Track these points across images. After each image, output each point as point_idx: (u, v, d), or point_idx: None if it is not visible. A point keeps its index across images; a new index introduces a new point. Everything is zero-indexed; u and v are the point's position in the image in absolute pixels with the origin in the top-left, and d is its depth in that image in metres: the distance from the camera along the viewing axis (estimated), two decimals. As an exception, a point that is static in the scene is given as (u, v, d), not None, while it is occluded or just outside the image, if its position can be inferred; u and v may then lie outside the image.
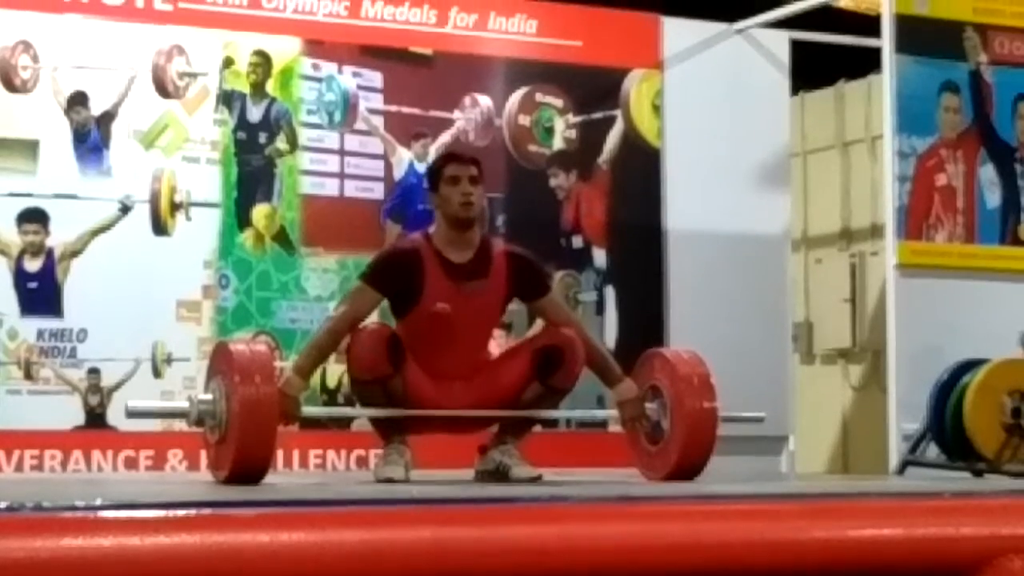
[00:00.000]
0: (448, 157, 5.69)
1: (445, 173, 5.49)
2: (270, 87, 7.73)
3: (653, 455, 5.73)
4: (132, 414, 5.56)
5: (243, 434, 5.00)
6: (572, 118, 8.28)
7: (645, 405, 5.69)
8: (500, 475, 5.51)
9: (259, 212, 7.66)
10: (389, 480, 5.32)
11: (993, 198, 8.10)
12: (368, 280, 5.54)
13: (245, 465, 5.02)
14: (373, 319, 5.64)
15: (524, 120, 8.19)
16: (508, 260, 5.59)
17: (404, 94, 7.94)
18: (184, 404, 5.33)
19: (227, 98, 7.64)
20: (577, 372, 5.59)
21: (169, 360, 7.39)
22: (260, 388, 5.04)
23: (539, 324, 6.00)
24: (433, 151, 7.85)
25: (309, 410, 5.97)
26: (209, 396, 5.18)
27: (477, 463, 5.67)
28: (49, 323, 7.25)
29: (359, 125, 7.87)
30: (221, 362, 5.23)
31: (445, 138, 7.97)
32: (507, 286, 5.58)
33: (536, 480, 5.42)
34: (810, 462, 9.38)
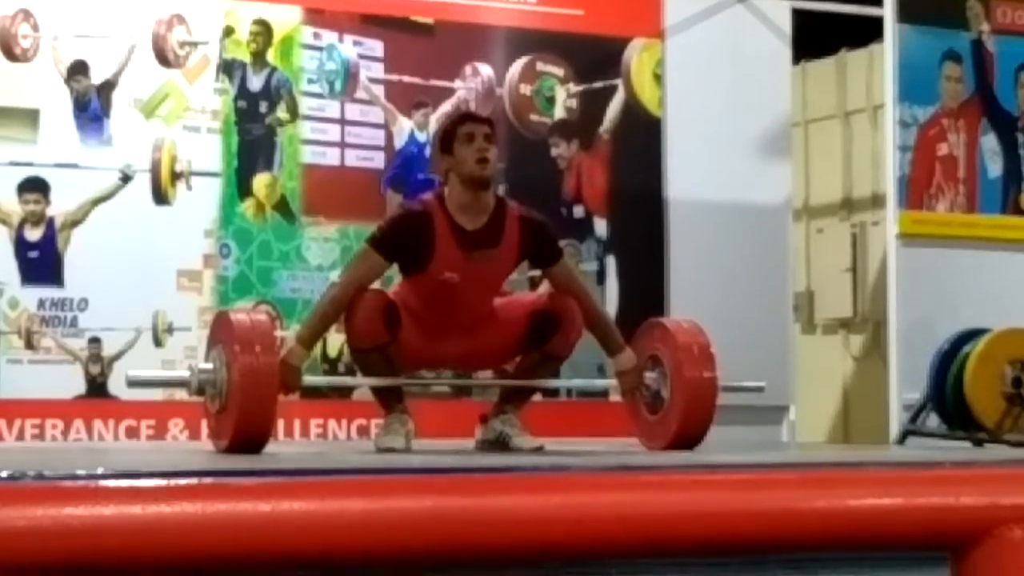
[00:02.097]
0: (463, 116, 5.64)
1: (459, 132, 5.41)
2: (271, 56, 7.72)
3: (653, 424, 5.74)
4: (132, 383, 5.57)
5: (244, 403, 5.00)
6: (573, 87, 8.27)
7: (645, 375, 5.68)
8: (501, 444, 5.52)
9: (260, 181, 7.66)
10: (390, 450, 5.33)
11: (994, 167, 8.10)
12: (375, 245, 5.46)
13: (246, 434, 5.03)
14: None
15: (525, 89, 8.18)
16: (521, 225, 5.52)
17: (405, 63, 7.93)
18: (185, 373, 5.33)
19: (227, 67, 7.63)
20: (573, 340, 5.58)
21: (170, 329, 7.40)
22: (260, 357, 5.04)
23: (544, 286, 6.01)
24: (434, 120, 7.85)
25: (310, 379, 5.98)
26: (210, 365, 5.19)
27: (478, 432, 5.68)
28: (50, 292, 7.26)
29: (360, 94, 7.86)
30: (221, 331, 5.23)
31: (446, 107, 7.96)
32: (518, 251, 5.54)
33: (537, 450, 5.43)
34: (811, 431, 9.39)
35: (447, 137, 5.49)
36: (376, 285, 5.57)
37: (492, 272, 5.54)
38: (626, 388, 5.69)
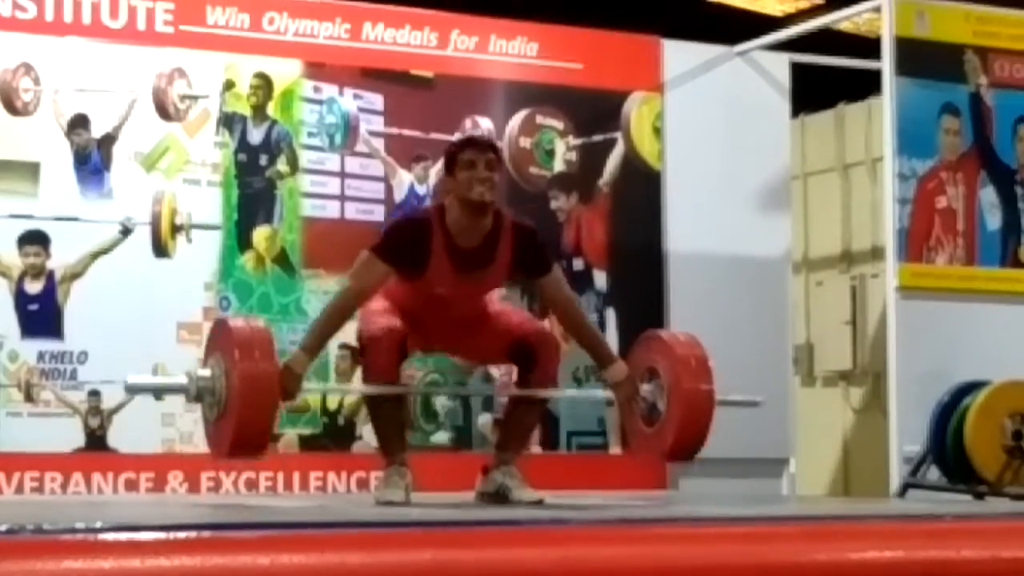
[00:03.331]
0: (466, 141, 5.61)
1: (462, 158, 5.41)
2: (271, 109, 7.74)
3: (649, 437, 5.72)
4: (131, 389, 5.61)
5: (243, 410, 5.00)
6: (573, 140, 8.29)
7: (642, 387, 5.67)
8: (501, 497, 5.51)
9: (260, 234, 7.67)
10: (390, 503, 5.32)
11: (993, 220, 8.10)
12: (378, 252, 5.45)
13: (244, 441, 5.04)
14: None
15: (525, 142, 8.20)
16: (514, 235, 5.53)
17: (405, 116, 7.95)
18: (183, 380, 5.31)
19: (228, 120, 7.65)
20: (552, 373, 5.62)
21: (170, 382, 7.38)
22: (260, 364, 5.04)
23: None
24: (434, 174, 7.86)
25: (309, 387, 5.96)
26: (208, 372, 5.17)
27: (479, 484, 5.66)
28: (50, 345, 7.25)
29: (360, 147, 7.87)
30: (220, 338, 5.22)
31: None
32: (511, 263, 5.55)
33: (537, 503, 5.42)
34: (811, 484, 9.37)
35: (450, 160, 5.51)
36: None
37: (483, 287, 5.60)
38: (623, 399, 5.68)
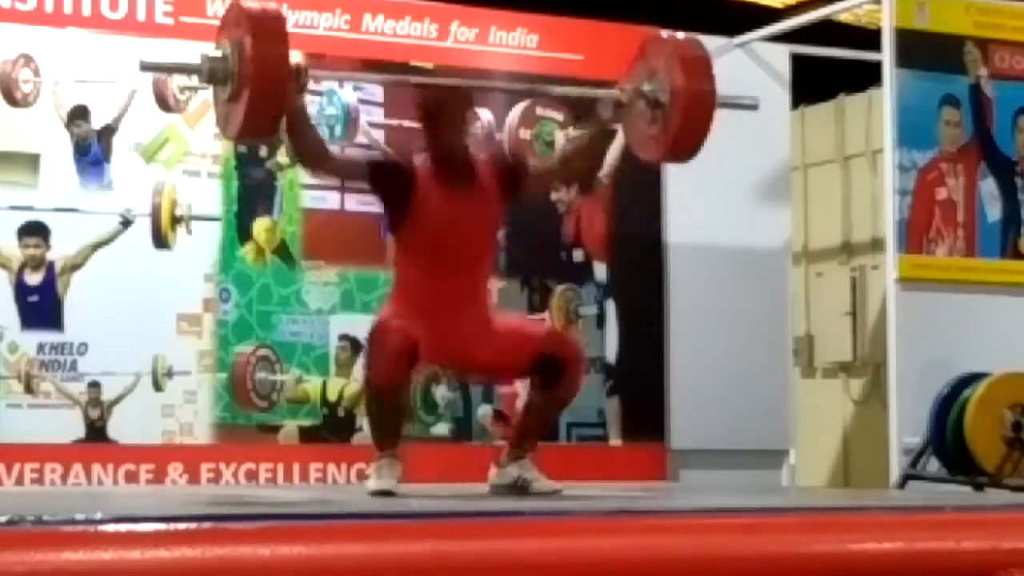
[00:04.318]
0: (442, 101, 5.63)
1: (438, 116, 5.53)
2: (271, 101, 7.72)
3: (651, 138, 5.82)
4: (145, 67, 5.72)
5: (253, 91, 5.02)
6: (572, 132, 8.27)
7: (645, 85, 5.73)
8: (519, 489, 5.51)
9: (260, 226, 7.66)
10: (383, 493, 5.31)
11: (994, 212, 8.10)
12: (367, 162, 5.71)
13: (253, 123, 5.09)
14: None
15: (525, 134, 8.19)
16: (490, 163, 5.68)
17: (405, 108, 7.94)
18: (196, 60, 5.28)
19: (228, 112, 7.63)
20: (579, 382, 5.62)
21: (170, 374, 7.39)
22: (272, 46, 5.06)
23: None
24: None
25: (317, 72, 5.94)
26: (220, 53, 5.18)
27: (492, 476, 5.65)
28: (49, 337, 7.25)
29: (360, 139, 7.87)
30: (233, 19, 5.22)
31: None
32: (498, 184, 5.60)
33: (557, 494, 5.42)
34: (811, 476, 9.38)
35: (426, 116, 5.57)
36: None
37: (478, 212, 5.56)
38: (617, 118, 5.85)
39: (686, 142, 5.76)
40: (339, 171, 6.02)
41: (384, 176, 5.57)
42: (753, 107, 6.26)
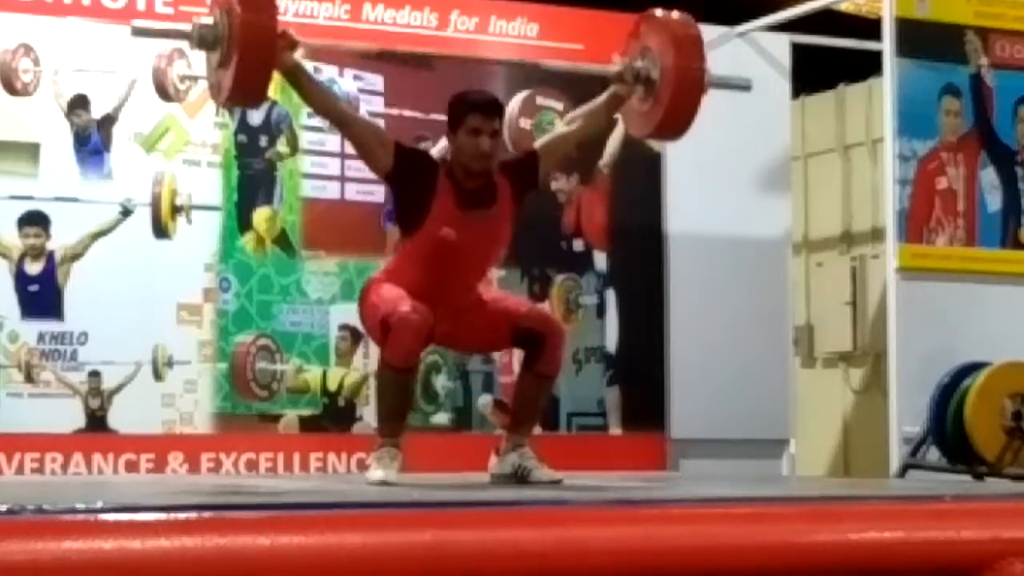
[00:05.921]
0: (472, 106, 5.51)
1: (467, 123, 5.42)
2: (271, 90, 7.71)
3: (643, 115, 5.86)
4: (136, 31, 5.73)
5: (242, 57, 5.11)
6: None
7: (637, 62, 5.76)
8: (520, 478, 5.50)
9: (260, 215, 7.66)
10: (383, 483, 5.30)
11: (994, 201, 8.10)
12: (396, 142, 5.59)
13: (241, 89, 5.21)
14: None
15: (525, 123, 8.19)
16: (503, 170, 5.59)
17: (405, 97, 7.94)
18: (187, 27, 5.36)
19: (228, 101, 7.63)
20: (560, 355, 5.62)
21: (170, 363, 7.39)
22: (259, 14, 5.17)
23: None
24: (435, 154, 7.84)
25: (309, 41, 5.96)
26: (210, 20, 5.26)
27: (492, 466, 5.64)
28: (50, 326, 7.26)
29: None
30: None
31: (444, 141, 7.95)
32: (512, 198, 5.57)
33: (557, 483, 5.42)
34: (811, 465, 9.38)
35: (455, 118, 5.49)
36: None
37: (489, 233, 5.54)
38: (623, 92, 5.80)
39: (676, 119, 5.80)
40: (356, 129, 5.66)
41: (408, 161, 5.50)
42: (746, 88, 6.28)
